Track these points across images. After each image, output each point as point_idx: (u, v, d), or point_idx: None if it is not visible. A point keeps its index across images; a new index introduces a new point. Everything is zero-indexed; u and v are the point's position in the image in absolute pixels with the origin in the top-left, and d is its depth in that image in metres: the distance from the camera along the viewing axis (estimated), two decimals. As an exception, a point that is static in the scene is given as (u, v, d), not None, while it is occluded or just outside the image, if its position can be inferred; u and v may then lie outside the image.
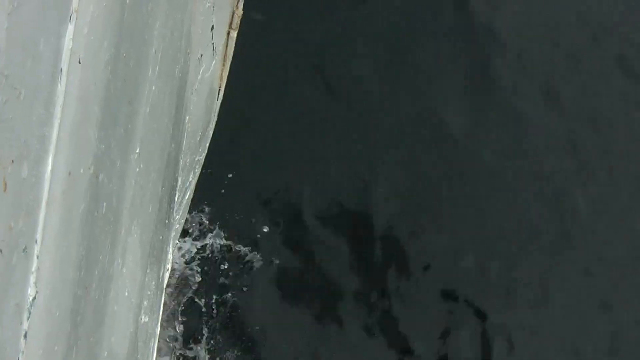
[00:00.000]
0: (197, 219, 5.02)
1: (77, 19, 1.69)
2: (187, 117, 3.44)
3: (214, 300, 4.95)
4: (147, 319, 3.16)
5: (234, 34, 4.10)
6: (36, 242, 1.60)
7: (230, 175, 5.28)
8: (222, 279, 5.05)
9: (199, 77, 3.53)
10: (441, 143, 5.66)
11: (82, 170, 1.88)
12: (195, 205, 4.60)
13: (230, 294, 5.01)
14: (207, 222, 5.11)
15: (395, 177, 5.52)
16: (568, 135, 5.83)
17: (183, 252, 4.92)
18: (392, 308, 5.21)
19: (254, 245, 5.19)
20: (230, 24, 4.07)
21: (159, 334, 3.74)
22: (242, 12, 4.16)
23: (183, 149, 3.54)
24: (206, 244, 5.06)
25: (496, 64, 5.95)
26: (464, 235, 5.43)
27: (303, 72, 5.71)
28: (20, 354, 1.59)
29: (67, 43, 1.66)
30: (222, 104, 4.35)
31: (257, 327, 4.99)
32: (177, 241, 4.57)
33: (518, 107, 5.86)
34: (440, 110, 5.72)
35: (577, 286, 5.41)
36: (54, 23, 1.60)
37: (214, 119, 4.34)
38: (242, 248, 5.14)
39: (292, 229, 5.30)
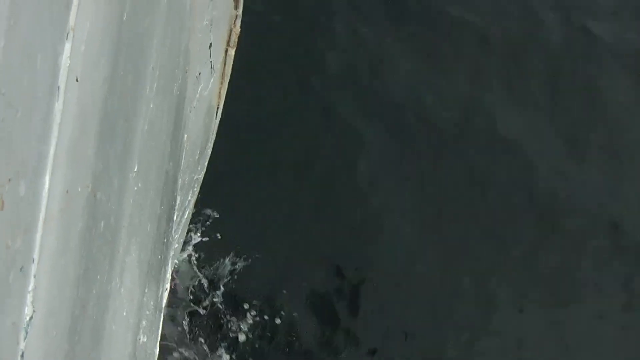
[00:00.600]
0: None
1: (74, 36, 1.69)
2: (186, 135, 3.43)
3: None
4: (145, 339, 3.13)
5: (232, 52, 4.10)
6: (33, 260, 1.58)
7: (227, 194, 5.26)
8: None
9: (197, 94, 3.52)
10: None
11: (79, 189, 1.87)
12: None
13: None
14: (203, 239, 5.11)
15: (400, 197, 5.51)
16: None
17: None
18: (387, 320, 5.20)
19: (248, 265, 5.18)
20: (228, 41, 4.07)
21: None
22: (239, 29, 4.16)
23: (182, 167, 3.53)
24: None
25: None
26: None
27: (301, 90, 5.72)
28: None
29: (65, 61, 1.66)
30: (220, 122, 4.34)
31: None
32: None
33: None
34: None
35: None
36: (51, 41, 1.60)
37: (213, 137, 4.33)
38: (236, 266, 5.13)
39: (288, 246, 5.28)
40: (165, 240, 3.38)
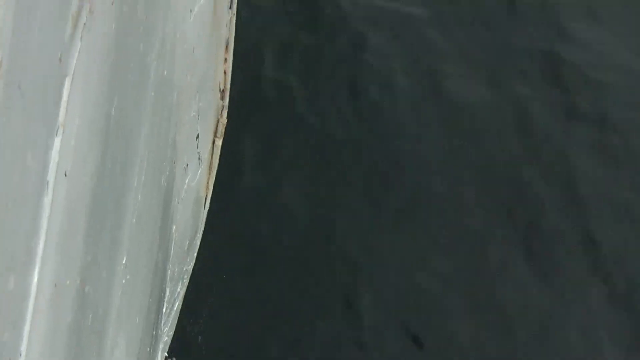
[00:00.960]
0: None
1: (63, 132, 1.72)
2: (174, 227, 3.45)
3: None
4: None
5: (219, 142, 4.17)
6: (21, 354, 1.58)
7: (219, 285, 5.24)
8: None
9: (185, 185, 3.56)
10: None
11: (68, 282, 1.87)
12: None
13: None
14: (194, 330, 5.05)
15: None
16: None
17: None
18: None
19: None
20: (215, 132, 4.14)
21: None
22: (226, 120, 4.24)
23: (170, 258, 3.53)
24: None
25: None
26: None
27: (289, 177, 5.76)
28: None
29: (54, 155, 1.69)
30: (208, 212, 4.36)
31: None
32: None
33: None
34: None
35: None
36: (41, 137, 1.63)
37: (201, 227, 4.34)
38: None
39: (276, 336, 5.23)
40: (154, 332, 3.36)
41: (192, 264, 4.31)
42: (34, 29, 1.54)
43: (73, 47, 1.77)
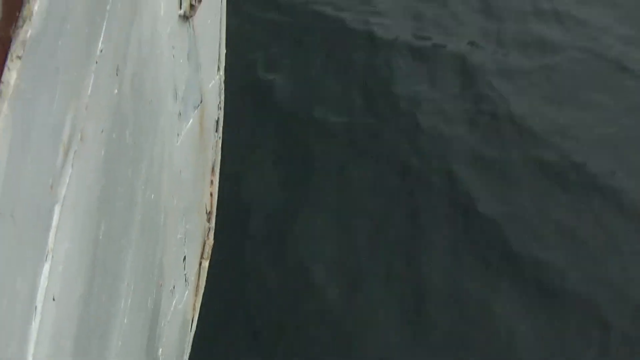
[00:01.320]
0: None
1: (52, 257, 1.75)
2: (160, 349, 3.42)
3: None
4: None
5: (205, 264, 4.18)
6: None
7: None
8: None
9: (172, 308, 3.55)
10: None
11: None
12: None
13: None
14: None
15: None
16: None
17: None
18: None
19: None
20: (202, 254, 4.16)
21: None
22: (212, 242, 4.27)
23: (156, 382, 3.49)
24: None
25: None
26: None
27: (274, 299, 5.74)
28: None
29: (43, 281, 1.71)
30: (195, 334, 4.33)
31: None
32: None
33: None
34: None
35: None
36: (31, 262, 1.66)
37: (188, 350, 4.30)
38: None
39: None
40: None
41: (178, 388, 4.24)
42: (27, 159, 1.59)
43: (64, 174, 1.82)
